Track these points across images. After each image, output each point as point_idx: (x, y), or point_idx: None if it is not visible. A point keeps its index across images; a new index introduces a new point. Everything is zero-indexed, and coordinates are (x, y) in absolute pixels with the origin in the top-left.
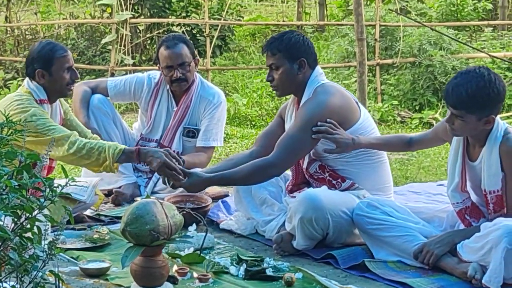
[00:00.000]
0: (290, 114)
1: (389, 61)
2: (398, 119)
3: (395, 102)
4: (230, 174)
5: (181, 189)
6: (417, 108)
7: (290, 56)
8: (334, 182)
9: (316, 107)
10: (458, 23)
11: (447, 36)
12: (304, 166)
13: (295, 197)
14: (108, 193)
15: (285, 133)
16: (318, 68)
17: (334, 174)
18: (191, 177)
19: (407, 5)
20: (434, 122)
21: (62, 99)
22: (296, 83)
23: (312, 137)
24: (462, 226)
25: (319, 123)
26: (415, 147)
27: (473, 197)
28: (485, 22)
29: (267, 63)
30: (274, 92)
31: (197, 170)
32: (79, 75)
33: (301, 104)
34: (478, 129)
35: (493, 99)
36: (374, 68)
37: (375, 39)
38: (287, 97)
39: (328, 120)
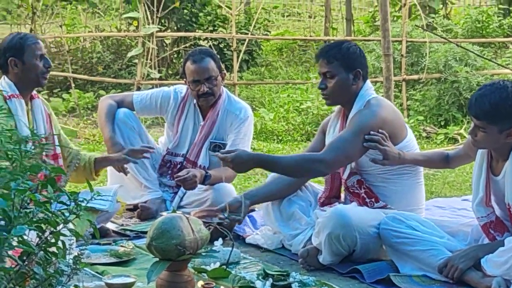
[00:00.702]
0: (333, 127)
1: (415, 76)
2: (424, 134)
3: (421, 118)
4: (276, 158)
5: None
6: (442, 123)
7: (347, 65)
8: (367, 200)
9: (371, 116)
10: (483, 40)
11: (472, 52)
12: (344, 176)
13: (325, 211)
14: (134, 208)
15: (338, 136)
16: (368, 81)
17: (370, 192)
18: (237, 151)
19: (433, 21)
20: (459, 137)
21: (47, 102)
22: (349, 94)
23: (363, 144)
24: (486, 240)
25: (371, 132)
26: (452, 164)
27: (497, 212)
28: (510, 39)
29: (320, 71)
30: (324, 100)
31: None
32: (51, 63)
33: (350, 116)
34: (500, 142)
35: None
36: (400, 83)
37: (402, 55)
38: (319, 113)
39: (380, 130)
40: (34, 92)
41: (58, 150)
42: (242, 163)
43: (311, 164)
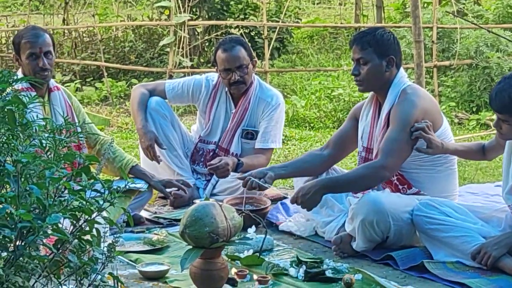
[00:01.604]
0: (366, 113)
1: (446, 63)
2: (456, 120)
3: (453, 104)
4: (340, 177)
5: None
6: (474, 109)
7: (381, 52)
8: (400, 187)
9: (411, 108)
10: None
11: (504, 38)
12: None
13: (358, 197)
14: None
15: (387, 137)
16: (402, 69)
17: (402, 179)
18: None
19: (464, 7)
20: (491, 123)
21: (69, 92)
22: (382, 81)
23: (411, 138)
24: None
25: (415, 124)
26: (488, 154)
27: None
28: None
29: (354, 57)
30: (357, 86)
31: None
32: (45, 63)
33: (384, 105)
34: None
35: None
36: (431, 70)
37: (432, 41)
38: (350, 100)
39: (423, 120)
40: (54, 84)
41: (82, 139)
42: (309, 193)
43: (376, 172)
